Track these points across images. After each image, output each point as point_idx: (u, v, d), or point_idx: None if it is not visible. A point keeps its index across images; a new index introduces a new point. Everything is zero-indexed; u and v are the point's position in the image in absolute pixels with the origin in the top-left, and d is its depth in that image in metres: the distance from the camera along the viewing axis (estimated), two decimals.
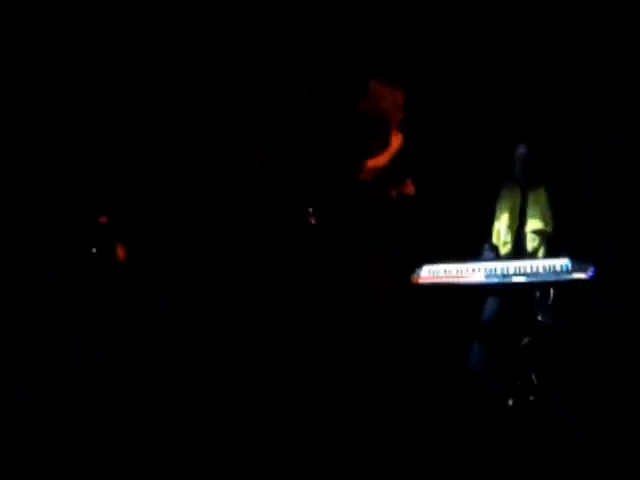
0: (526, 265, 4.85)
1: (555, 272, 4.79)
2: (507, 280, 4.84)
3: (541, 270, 4.81)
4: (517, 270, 4.84)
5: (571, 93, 5.66)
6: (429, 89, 5.63)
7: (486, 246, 5.33)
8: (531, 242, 5.23)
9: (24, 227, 6.05)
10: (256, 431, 4.35)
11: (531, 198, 5.29)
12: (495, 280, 4.87)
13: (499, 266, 4.91)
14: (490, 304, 5.19)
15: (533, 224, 5.25)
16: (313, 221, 5.50)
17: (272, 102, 6.15)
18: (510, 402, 4.79)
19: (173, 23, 6.22)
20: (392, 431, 4.77)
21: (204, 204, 6.09)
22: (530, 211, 5.27)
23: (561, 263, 4.80)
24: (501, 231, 5.30)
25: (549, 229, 5.24)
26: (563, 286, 4.80)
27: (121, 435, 4.38)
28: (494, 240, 5.32)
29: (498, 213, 5.34)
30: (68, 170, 6.13)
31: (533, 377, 4.81)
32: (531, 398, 4.77)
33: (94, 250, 6.02)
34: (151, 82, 6.23)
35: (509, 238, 5.28)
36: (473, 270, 4.93)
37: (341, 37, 5.97)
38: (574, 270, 4.75)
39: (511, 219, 5.28)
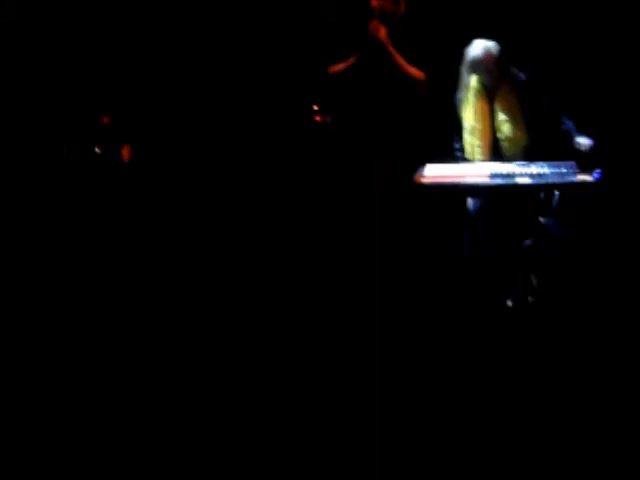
0: (531, 166, 4.76)
1: (560, 174, 4.70)
2: (511, 181, 4.74)
3: (546, 172, 4.72)
4: (522, 171, 4.75)
5: None
6: None
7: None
8: (506, 151, 4.99)
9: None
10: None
11: (499, 101, 4.99)
12: (499, 181, 4.77)
13: (504, 167, 4.81)
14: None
15: (505, 131, 4.98)
16: (320, 119, 5.41)
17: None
18: (509, 303, 4.74)
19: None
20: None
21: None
22: (499, 116, 4.99)
23: (567, 165, 4.72)
24: (473, 140, 5.04)
25: (523, 136, 4.96)
26: (568, 188, 4.72)
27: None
28: (467, 153, 5.07)
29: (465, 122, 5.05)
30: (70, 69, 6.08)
31: (533, 279, 4.75)
32: (530, 299, 4.72)
33: (98, 150, 5.98)
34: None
35: (482, 144, 5.00)
36: (477, 170, 4.86)
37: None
38: (580, 172, 4.67)
39: (481, 126, 4.99)
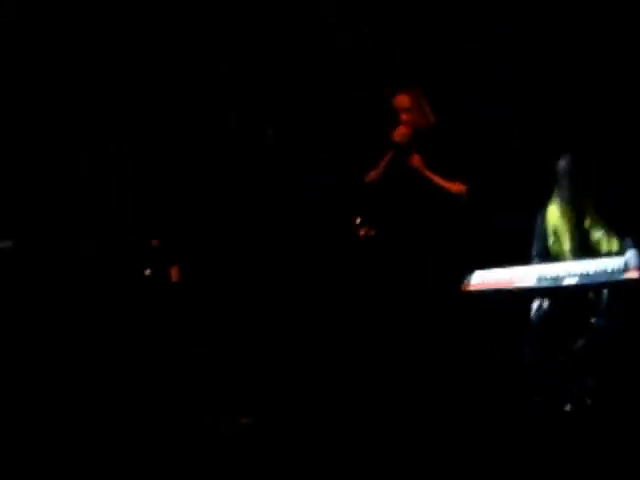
0: (577, 267, 4.78)
1: (607, 272, 4.70)
2: (558, 283, 4.77)
3: (592, 271, 4.74)
4: (568, 272, 4.78)
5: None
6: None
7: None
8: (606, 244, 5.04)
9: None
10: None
11: (588, 215, 5.09)
12: (547, 284, 4.81)
13: (550, 270, 4.85)
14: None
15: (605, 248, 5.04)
16: (363, 232, 5.48)
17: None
18: (567, 407, 4.72)
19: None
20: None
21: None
22: (594, 234, 5.08)
23: (613, 263, 4.73)
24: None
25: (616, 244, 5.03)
26: (616, 286, 4.73)
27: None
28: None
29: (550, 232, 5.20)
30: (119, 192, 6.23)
31: (589, 381, 4.74)
32: (588, 402, 4.70)
33: (148, 272, 6.08)
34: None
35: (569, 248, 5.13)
36: (524, 275, 4.90)
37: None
38: (627, 269, 4.68)
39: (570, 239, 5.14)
